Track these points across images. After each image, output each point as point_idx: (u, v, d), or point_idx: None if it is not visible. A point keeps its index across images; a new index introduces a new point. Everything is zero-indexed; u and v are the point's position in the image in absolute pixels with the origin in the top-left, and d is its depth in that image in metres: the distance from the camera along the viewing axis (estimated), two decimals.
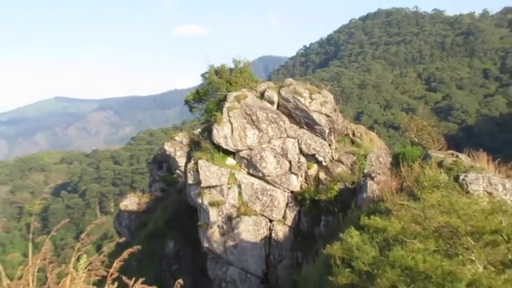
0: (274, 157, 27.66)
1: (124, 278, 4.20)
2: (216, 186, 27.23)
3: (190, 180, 28.06)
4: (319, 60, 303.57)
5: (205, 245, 27.52)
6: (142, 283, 4.17)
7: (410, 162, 21.68)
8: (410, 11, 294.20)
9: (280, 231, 27.80)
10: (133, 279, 4.30)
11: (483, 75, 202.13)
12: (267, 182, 27.70)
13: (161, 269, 34.32)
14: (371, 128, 37.69)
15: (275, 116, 28.08)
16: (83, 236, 4.29)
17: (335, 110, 29.63)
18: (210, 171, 27.09)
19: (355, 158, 28.94)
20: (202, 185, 27.15)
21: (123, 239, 5.41)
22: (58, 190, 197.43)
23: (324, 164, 28.42)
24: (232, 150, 27.74)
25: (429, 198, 13.65)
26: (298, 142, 28.24)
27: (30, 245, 5.11)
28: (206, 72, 33.69)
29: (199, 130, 32.64)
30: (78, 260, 4.55)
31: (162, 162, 47.55)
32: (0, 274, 4.40)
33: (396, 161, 23.80)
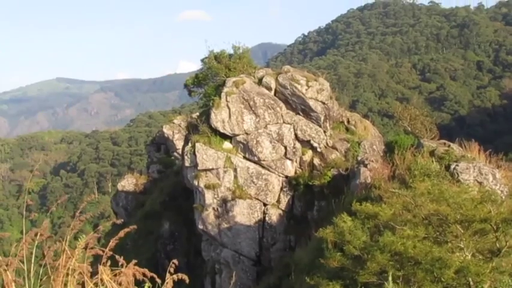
0: (270, 142, 27.67)
1: (117, 257, 4.16)
2: (212, 169, 27.25)
3: (187, 163, 28.07)
4: (317, 48, 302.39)
5: (200, 226, 27.59)
6: (135, 265, 4.13)
7: (403, 151, 21.71)
8: (408, 2, 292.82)
9: (274, 215, 27.87)
10: (127, 262, 4.26)
11: (477, 67, 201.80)
12: (263, 166, 27.72)
13: (156, 249, 34.41)
14: (366, 116, 37.74)
15: (272, 102, 28.04)
16: (77, 213, 4.24)
17: (331, 98, 29.60)
18: (207, 155, 27.11)
19: (349, 145, 28.95)
20: (198, 168, 27.17)
21: (120, 221, 5.35)
22: (57, 169, 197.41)
23: (318, 150, 28.42)
24: (229, 134, 27.75)
25: (420, 186, 13.68)
26: (294, 128, 28.22)
27: (24, 221, 5.14)
28: (206, 58, 33.61)
29: (198, 114, 32.58)
30: (76, 238, 4.52)
31: (160, 145, 47.48)
32: None
33: (389, 149, 23.84)
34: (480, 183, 17.89)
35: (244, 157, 27.82)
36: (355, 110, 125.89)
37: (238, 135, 27.72)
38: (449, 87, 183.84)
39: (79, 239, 4.36)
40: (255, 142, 27.48)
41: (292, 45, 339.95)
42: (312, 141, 28.40)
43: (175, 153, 44.17)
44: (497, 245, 11.67)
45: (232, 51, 33.06)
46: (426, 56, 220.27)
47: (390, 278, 10.55)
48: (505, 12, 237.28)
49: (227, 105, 27.67)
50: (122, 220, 5.65)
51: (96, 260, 4.44)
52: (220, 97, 27.87)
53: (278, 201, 28.10)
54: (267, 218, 27.83)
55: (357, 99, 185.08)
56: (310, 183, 27.41)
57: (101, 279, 4.08)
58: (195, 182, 27.46)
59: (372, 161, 23.82)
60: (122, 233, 4.46)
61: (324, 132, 28.83)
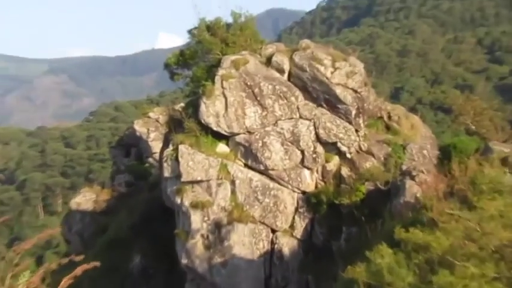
0: (282, 144, 27.65)
1: None
2: (202, 181, 27.22)
3: (167, 173, 28.03)
4: (347, 16, 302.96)
5: (184, 261, 27.51)
6: None
7: (464, 158, 21.60)
8: None
9: (286, 246, 27.78)
10: None
11: None
12: (271, 178, 27.73)
13: None
14: (413, 110, 37.72)
15: (285, 89, 28.04)
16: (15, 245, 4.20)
17: (365, 84, 29.53)
18: (195, 161, 27.08)
19: (390, 149, 28.87)
20: (183, 180, 27.14)
21: (79, 258, 5.24)
22: None
23: (348, 156, 28.36)
24: (225, 133, 27.79)
25: (489, 206, 13.59)
26: (314, 125, 28.20)
27: None
28: (195, 28, 33.58)
29: (182, 105, 32.61)
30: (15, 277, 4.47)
31: (130, 147, 47.59)
32: None
33: (445, 155, 23.76)
34: None
35: (246, 165, 27.84)
36: (399, 101, 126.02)
37: (237, 134, 27.75)
38: None
39: (19, 278, 4.31)
40: (260, 144, 27.46)
41: (312, 12, 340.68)
42: (339, 144, 28.34)
43: (150, 159, 44.29)
44: None
45: (231, 20, 33.07)
46: (496, 28, 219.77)
47: None
48: None
49: (223, 94, 27.71)
50: (80, 257, 5.58)
51: None
52: (213, 82, 27.91)
53: (292, 226, 28.04)
54: (276, 250, 27.75)
55: (401, 86, 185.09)
56: (337, 202, 27.30)
57: None
58: (178, 199, 27.41)
59: (422, 172, 23.73)
60: (78, 271, 4.40)
61: (356, 131, 28.79)
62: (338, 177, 28.32)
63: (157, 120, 44.49)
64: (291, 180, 27.80)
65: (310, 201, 27.99)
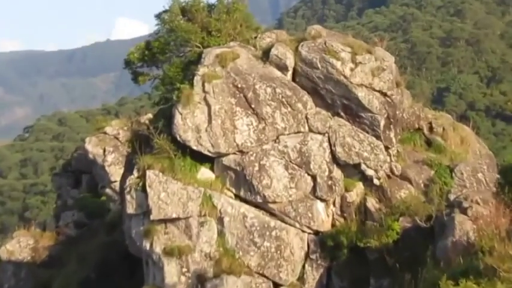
0: (286, 168, 27.66)
1: None
2: (179, 219, 27.19)
3: (131, 208, 27.99)
4: None
5: None
6: None
7: None
8: None
9: None
10: None
11: None
12: (272, 213, 27.73)
13: None
14: (463, 118, 37.75)
15: (289, 92, 28.09)
16: None
17: (398, 85, 29.62)
18: (168, 192, 27.04)
19: (432, 172, 28.89)
20: (152, 217, 27.07)
21: None
22: None
23: (376, 182, 28.39)
24: (209, 154, 27.79)
25: None
26: (329, 141, 28.26)
27: None
28: (165, 11, 33.64)
29: (150, 116, 32.64)
30: None
31: (81, 174, 47.55)
32: None
33: (508, 178, 23.74)
34: None
35: (238, 196, 27.84)
36: (444, 106, 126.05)
37: (226, 155, 27.75)
38: None
39: None
40: (257, 168, 27.45)
41: None
42: (363, 166, 28.37)
43: (108, 190, 44.21)
44: None
45: (213, 0, 33.19)
46: None
47: None
48: None
49: (205, 100, 27.72)
50: None
51: None
52: (192, 85, 27.94)
53: (301, 278, 28.00)
54: None
55: (446, 86, 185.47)
56: (361, 245, 27.29)
57: None
58: (146, 244, 27.34)
59: (477, 203, 23.73)
60: None
61: (386, 148, 28.82)
62: (363, 211, 28.34)
63: (116, 137, 44.40)
64: (298, 217, 27.75)
65: (325, 244, 27.95)
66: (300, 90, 28.34)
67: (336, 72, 28.22)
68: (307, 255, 28.04)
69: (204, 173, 27.79)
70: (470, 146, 31.84)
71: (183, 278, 27.04)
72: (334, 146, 28.18)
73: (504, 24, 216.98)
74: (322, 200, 28.05)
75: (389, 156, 28.82)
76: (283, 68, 28.78)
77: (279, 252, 27.45)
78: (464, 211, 23.67)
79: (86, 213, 44.63)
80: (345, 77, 28.18)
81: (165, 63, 33.11)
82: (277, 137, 27.80)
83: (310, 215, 27.86)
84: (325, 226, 28.14)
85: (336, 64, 28.23)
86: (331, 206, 28.32)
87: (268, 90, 27.80)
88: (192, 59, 29.93)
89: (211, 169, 27.95)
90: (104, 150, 43.70)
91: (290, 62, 28.79)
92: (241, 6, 32.87)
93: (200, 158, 27.82)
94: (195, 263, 26.99)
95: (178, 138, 27.48)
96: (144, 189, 27.22)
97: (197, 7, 32.42)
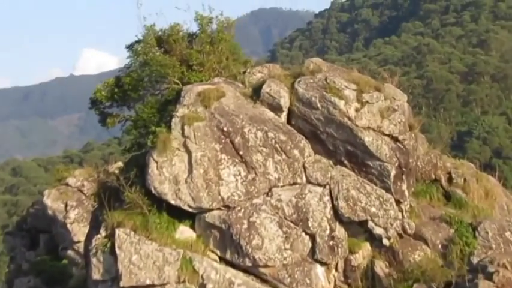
0: (280, 226, 27.54)
1: None
2: (154, 286, 27.03)
3: (97, 274, 27.86)
4: (380, 20, 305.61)
5: None
6: None
7: None
8: None
9: None
10: None
11: None
12: (263, 279, 27.56)
13: None
14: (488, 167, 37.80)
15: (283, 137, 28.08)
16: None
17: (411, 128, 29.68)
18: (141, 255, 26.90)
19: (452, 230, 28.83)
20: (123, 284, 26.88)
21: None
22: None
23: (385, 242, 28.32)
24: (189, 209, 27.66)
25: None
26: (331, 195, 28.23)
27: None
28: (139, 41, 33.65)
29: (120, 165, 32.53)
30: None
31: (38, 233, 47.39)
32: None
33: None
34: None
35: (223, 259, 27.70)
36: (465, 153, 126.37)
37: (209, 210, 27.60)
38: None
39: None
40: (246, 226, 27.29)
41: (325, 14, 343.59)
42: (370, 224, 28.29)
43: (70, 252, 44.06)
44: None
45: (195, 28, 33.22)
46: None
47: None
48: None
49: (185, 146, 27.70)
50: None
51: None
52: (169, 128, 27.91)
53: None
54: None
55: (468, 129, 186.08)
56: None
57: None
58: None
59: (504, 266, 23.70)
60: None
61: (397, 203, 28.79)
62: (370, 276, 28.27)
63: (80, 190, 44.32)
64: (294, 283, 27.59)
65: None
66: (296, 135, 28.34)
67: (338, 113, 28.22)
68: None
69: (184, 231, 27.65)
70: (496, 200, 31.83)
71: None
72: (337, 200, 28.11)
73: None
74: (322, 263, 27.93)
75: (401, 212, 28.75)
76: (276, 109, 28.80)
77: None
78: (489, 277, 23.61)
79: (44, 279, 44.43)
80: (349, 118, 28.20)
81: (138, 102, 33.00)
82: (270, 190, 27.70)
83: (308, 281, 27.69)
84: None
85: (338, 104, 28.22)
86: (333, 271, 28.26)
87: (259, 134, 27.72)
88: (170, 98, 29.88)
89: (192, 227, 27.80)
90: (66, 205, 43.57)
91: (285, 101, 28.81)
92: (227, 35, 32.81)
93: (179, 215, 27.69)
94: None
95: (153, 191, 27.35)
96: (112, 251, 27.06)
97: (176, 37, 32.33)
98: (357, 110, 28.28)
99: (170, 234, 27.37)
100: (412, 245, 28.42)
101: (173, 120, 27.85)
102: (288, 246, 27.44)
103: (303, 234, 27.66)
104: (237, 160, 27.57)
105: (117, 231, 27.14)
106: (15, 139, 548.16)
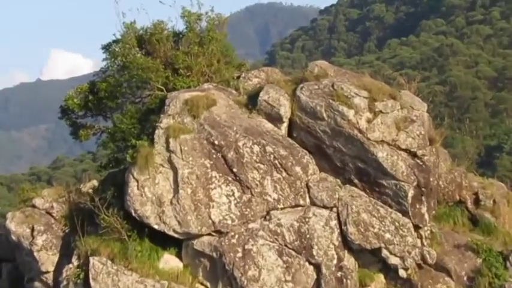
0: (280, 254, 27.65)
1: None
2: None
3: None
4: (395, 18, 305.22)
5: None
6: None
7: None
8: None
9: None
10: None
11: None
12: None
13: None
14: None
15: (283, 151, 28.20)
16: None
17: (431, 142, 29.74)
18: (119, 287, 26.98)
19: (479, 260, 28.93)
20: None
21: None
22: None
23: (402, 274, 28.41)
24: (175, 235, 27.77)
25: None
26: (338, 218, 28.30)
27: None
28: (117, 41, 33.59)
29: (95, 184, 32.60)
30: None
31: (0, 262, 47.48)
32: None
33: None
34: None
35: None
36: (494, 171, 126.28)
37: (198, 236, 27.72)
38: None
39: None
40: (240, 254, 27.38)
41: (331, 10, 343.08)
42: (385, 252, 28.38)
43: (37, 284, 44.19)
44: None
45: (182, 25, 33.21)
46: None
47: None
48: None
49: (170, 162, 27.80)
50: None
51: None
52: (152, 141, 28.00)
53: None
54: None
55: (497, 144, 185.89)
56: None
57: None
58: None
59: None
60: None
61: (416, 228, 28.86)
62: None
63: (48, 213, 44.14)
64: None
65: None
66: (298, 149, 28.44)
67: (347, 125, 28.26)
68: None
69: (168, 260, 27.74)
70: None
71: None
72: (345, 224, 28.15)
73: None
74: None
75: (421, 238, 28.82)
76: (275, 119, 28.89)
77: None
78: None
79: None
80: (360, 131, 28.25)
81: (115, 111, 32.88)
82: (268, 213, 27.78)
83: None
84: None
85: (347, 114, 28.28)
86: None
87: (256, 148, 27.82)
88: (152, 107, 29.87)
89: (178, 256, 27.88)
90: (32, 230, 43.39)
91: (285, 110, 28.88)
92: (218, 35, 32.68)
93: (163, 241, 27.77)
94: None
95: (134, 214, 27.44)
96: (86, 283, 27.18)
97: (159, 36, 32.17)
98: (368, 121, 28.30)
99: (153, 264, 27.39)
100: (433, 277, 28.49)
101: (156, 132, 27.85)
102: (289, 278, 27.49)
103: (307, 264, 27.73)
104: (230, 178, 27.61)
105: (91, 260, 27.21)
106: None
